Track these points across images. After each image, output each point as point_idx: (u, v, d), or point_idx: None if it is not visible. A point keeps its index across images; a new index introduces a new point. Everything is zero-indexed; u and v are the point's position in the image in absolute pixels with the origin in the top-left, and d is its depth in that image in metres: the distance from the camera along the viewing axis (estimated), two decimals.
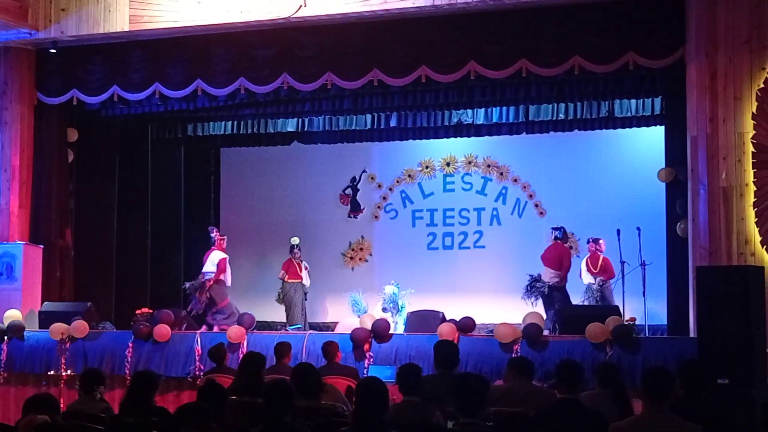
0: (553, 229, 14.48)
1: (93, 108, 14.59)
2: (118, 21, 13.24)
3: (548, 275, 14.09)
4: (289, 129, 16.02)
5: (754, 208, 11.04)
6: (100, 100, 14.11)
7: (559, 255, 14.21)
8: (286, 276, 15.41)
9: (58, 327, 12.57)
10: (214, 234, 15.14)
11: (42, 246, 14.05)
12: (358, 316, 13.34)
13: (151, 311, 13.24)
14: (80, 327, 12.66)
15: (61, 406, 8.29)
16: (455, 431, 6.09)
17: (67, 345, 12.51)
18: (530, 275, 14.14)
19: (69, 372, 12.15)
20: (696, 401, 6.10)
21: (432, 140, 16.20)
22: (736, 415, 8.03)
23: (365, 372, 11.20)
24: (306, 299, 15.58)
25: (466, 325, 11.88)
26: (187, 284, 14.88)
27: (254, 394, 7.11)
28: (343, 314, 15.07)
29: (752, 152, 11.09)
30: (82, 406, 7.52)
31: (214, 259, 14.82)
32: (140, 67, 13.82)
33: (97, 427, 6.61)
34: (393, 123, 15.53)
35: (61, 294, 14.34)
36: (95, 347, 12.66)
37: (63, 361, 12.31)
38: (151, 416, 6.55)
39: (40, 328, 13.06)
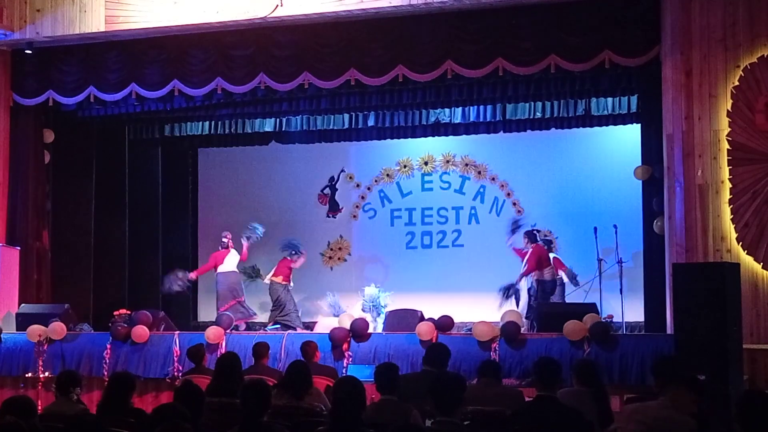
0: (530, 233, 14.24)
1: (69, 109, 14.53)
2: (94, 21, 13.20)
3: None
4: (267, 129, 15.99)
5: (729, 205, 11.11)
6: (77, 101, 14.06)
7: (540, 256, 13.93)
8: (282, 278, 14.99)
9: (35, 329, 12.52)
10: (227, 239, 15.09)
11: (19, 248, 14.01)
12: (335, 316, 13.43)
13: (129, 312, 13.21)
14: (58, 329, 12.62)
15: (39, 408, 8.27)
16: (432, 430, 6.10)
17: (45, 347, 12.45)
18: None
19: (47, 374, 12.08)
20: None
21: (410, 139, 16.20)
22: (713, 410, 8.12)
23: (344, 371, 11.21)
24: None
25: (444, 324, 11.91)
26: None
27: (232, 395, 7.11)
28: (322, 314, 15.06)
29: (727, 149, 11.15)
30: (59, 408, 7.49)
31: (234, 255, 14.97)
32: (116, 68, 13.78)
33: (73, 429, 6.57)
34: (371, 122, 15.52)
35: (38, 296, 14.27)
36: (73, 349, 12.63)
37: (40, 363, 12.25)
38: (128, 417, 6.54)
39: (17, 330, 13.01)
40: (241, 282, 15.14)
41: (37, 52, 13.80)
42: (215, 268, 14.99)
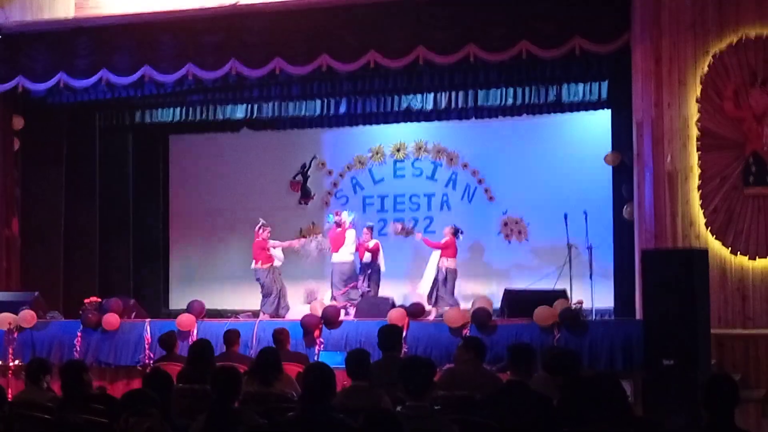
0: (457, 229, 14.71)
1: (39, 95, 14.43)
2: (63, 7, 13.09)
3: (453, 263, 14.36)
4: (238, 115, 15.90)
5: (698, 191, 11.17)
6: (46, 87, 13.92)
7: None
8: (260, 262, 14.58)
9: (5, 317, 12.47)
10: (339, 216, 14.99)
11: None
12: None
13: (99, 300, 13.15)
14: (28, 317, 12.56)
15: (9, 396, 8.24)
16: (402, 415, 6.11)
17: (15, 335, 12.43)
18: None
19: (17, 362, 12.08)
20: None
21: (382, 126, 16.20)
22: (680, 394, 8.21)
23: (316, 358, 11.23)
24: None
25: (415, 311, 11.96)
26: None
27: (203, 382, 7.11)
28: (294, 301, 15.03)
29: (697, 136, 11.21)
30: (29, 396, 7.48)
31: (350, 239, 14.75)
32: (86, 54, 13.65)
33: (43, 417, 6.58)
34: (342, 109, 15.49)
35: (7, 284, 14.20)
36: (43, 337, 12.59)
37: (11, 351, 12.24)
38: (97, 404, 6.54)
39: None
40: (355, 269, 14.70)
41: (5, 37, 13.67)
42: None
